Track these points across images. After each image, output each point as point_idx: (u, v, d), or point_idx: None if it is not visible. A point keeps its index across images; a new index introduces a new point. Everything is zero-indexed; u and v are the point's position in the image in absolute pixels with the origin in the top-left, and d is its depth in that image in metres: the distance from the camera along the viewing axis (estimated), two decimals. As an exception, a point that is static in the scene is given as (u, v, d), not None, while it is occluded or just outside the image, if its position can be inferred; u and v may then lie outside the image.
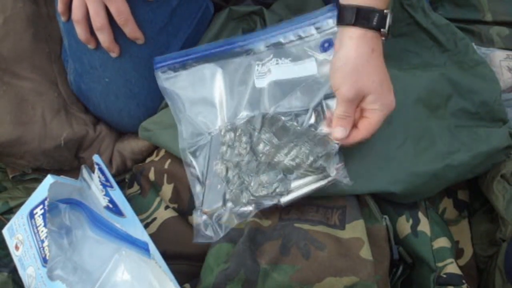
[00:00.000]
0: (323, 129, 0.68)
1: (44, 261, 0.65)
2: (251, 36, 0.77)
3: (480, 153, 0.73)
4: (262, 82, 0.74)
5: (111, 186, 0.73)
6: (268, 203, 0.66)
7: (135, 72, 0.79)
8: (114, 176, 0.78)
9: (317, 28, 0.75)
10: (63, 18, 0.78)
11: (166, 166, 0.76)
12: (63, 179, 0.69)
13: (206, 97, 0.75)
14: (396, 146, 0.71)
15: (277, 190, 0.66)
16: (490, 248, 0.77)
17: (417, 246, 0.71)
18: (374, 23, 0.63)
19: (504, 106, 0.78)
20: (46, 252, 0.65)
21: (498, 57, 0.90)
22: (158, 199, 0.76)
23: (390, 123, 0.69)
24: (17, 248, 0.69)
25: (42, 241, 0.66)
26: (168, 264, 0.65)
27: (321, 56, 0.73)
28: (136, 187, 0.79)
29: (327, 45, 0.72)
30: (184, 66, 0.77)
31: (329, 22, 0.74)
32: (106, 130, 0.85)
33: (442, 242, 0.71)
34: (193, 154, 0.72)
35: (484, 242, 0.78)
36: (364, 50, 0.63)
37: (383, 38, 0.65)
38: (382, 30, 0.63)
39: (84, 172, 0.73)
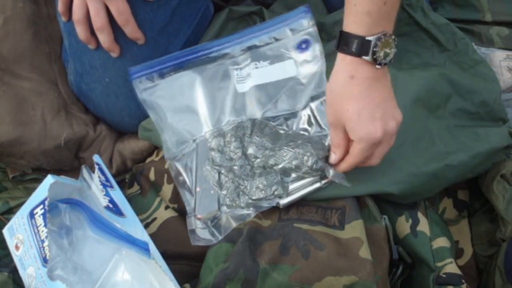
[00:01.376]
0: (317, 131, 0.68)
1: (44, 261, 0.65)
2: (226, 40, 0.77)
3: (480, 153, 0.73)
4: (244, 86, 0.74)
5: (111, 186, 0.73)
6: (267, 205, 0.67)
7: (136, 72, 0.79)
8: (114, 176, 0.78)
9: (291, 30, 0.74)
10: (63, 18, 0.78)
11: (166, 166, 0.76)
12: (63, 179, 0.69)
13: (187, 104, 0.75)
14: (395, 146, 0.70)
15: (276, 192, 0.66)
16: (490, 248, 0.77)
17: (416, 246, 0.71)
18: (353, 49, 0.60)
19: (504, 106, 0.78)
20: (46, 252, 0.65)
21: (498, 57, 0.90)
22: (158, 199, 0.76)
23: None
24: (17, 248, 0.69)
25: (42, 241, 0.66)
26: (168, 264, 0.66)
27: (300, 57, 0.72)
28: (136, 187, 0.79)
29: (304, 46, 0.73)
30: (161, 75, 0.76)
31: (303, 23, 0.73)
32: (106, 130, 0.85)
33: (441, 242, 0.71)
34: (180, 162, 0.73)
35: (484, 242, 0.78)
36: (342, 76, 0.61)
37: (378, 66, 0.60)
38: (363, 57, 0.59)
39: (84, 172, 0.73)
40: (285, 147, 0.68)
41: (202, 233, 0.68)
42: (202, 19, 0.85)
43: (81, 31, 0.75)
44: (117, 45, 0.76)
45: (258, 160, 0.68)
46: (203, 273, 0.67)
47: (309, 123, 0.70)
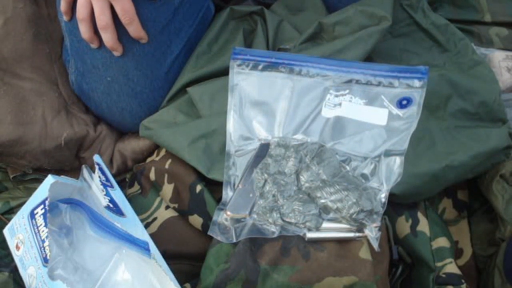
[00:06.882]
0: (374, 184, 0.68)
1: (45, 260, 0.65)
2: (332, 62, 0.74)
3: (479, 153, 0.73)
4: (329, 112, 0.71)
5: (112, 186, 0.73)
6: (293, 231, 0.65)
7: (137, 70, 0.79)
8: (114, 176, 0.78)
9: (400, 82, 0.71)
10: (65, 18, 0.78)
11: (166, 166, 0.76)
12: (63, 179, 0.69)
13: (269, 105, 0.73)
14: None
15: (307, 224, 0.65)
16: (490, 248, 0.77)
17: (416, 246, 0.71)
18: None
19: (504, 106, 0.78)
20: (47, 252, 0.65)
21: (497, 58, 0.90)
22: (158, 199, 0.76)
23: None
24: (18, 248, 0.69)
25: (43, 241, 0.66)
26: (169, 263, 0.66)
27: (395, 111, 0.70)
28: (136, 187, 0.79)
29: (405, 103, 0.70)
30: (259, 67, 0.74)
31: (415, 82, 0.70)
32: (106, 130, 0.85)
33: (441, 242, 0.71)
34: (238, 156, 0.71)
35: (484, 242, 0.78)
36: None
37: None
38: None
39: (85, 172, 0.73)
40: (336, 185, 0.67)
41: (222, 228, 0.67)
42: (203, 19, 0.85)
43: (84, 30, 0.75)
44: (120, 44, 0.76)
45: (307, 185, 0.68)
46: (204, 273, 0.67)
47: (372, 173, 0.69)
